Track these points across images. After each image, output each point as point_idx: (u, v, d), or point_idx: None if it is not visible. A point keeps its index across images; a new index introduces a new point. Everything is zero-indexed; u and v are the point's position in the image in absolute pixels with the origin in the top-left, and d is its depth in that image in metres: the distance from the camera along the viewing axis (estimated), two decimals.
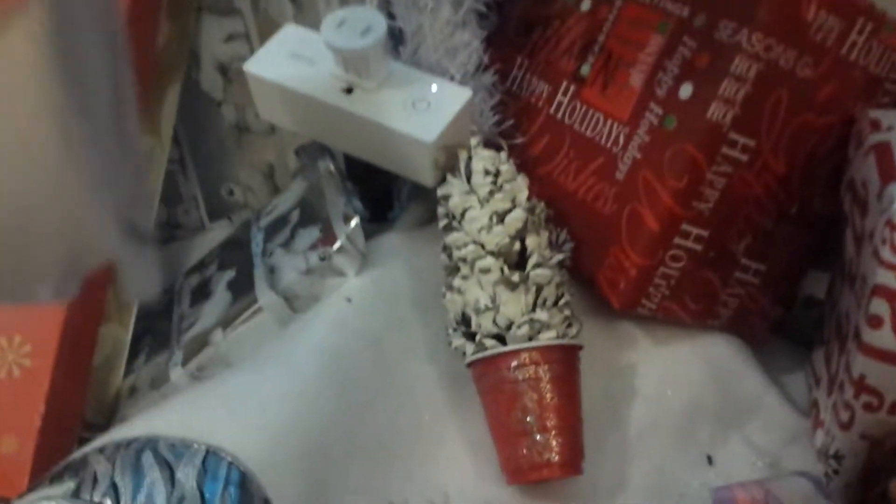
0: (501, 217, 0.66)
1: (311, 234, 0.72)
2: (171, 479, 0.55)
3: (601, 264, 0.71)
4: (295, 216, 0.76)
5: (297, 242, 0.73)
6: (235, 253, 0.80)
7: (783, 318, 0.79)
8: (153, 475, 0.55)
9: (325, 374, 0.64)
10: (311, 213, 0.75)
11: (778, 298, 0.76)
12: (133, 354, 0.78)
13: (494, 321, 0.65)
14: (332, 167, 0.78)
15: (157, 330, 0.79)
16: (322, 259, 0.69)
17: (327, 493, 0.61)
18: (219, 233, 0.89)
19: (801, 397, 0.77)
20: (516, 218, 0.66)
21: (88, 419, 0.70)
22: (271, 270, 0.72)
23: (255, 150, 0.89)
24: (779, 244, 0.73)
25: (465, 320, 0.67)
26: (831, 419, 0.68)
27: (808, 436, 0.72)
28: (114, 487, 0.54)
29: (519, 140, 0.76)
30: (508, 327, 0.65)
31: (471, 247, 0.66)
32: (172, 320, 0.77)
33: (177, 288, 0.82)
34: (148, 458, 0.56)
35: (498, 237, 0.66)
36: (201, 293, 0.78)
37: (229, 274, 0.77)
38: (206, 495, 0.55)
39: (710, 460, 0.70)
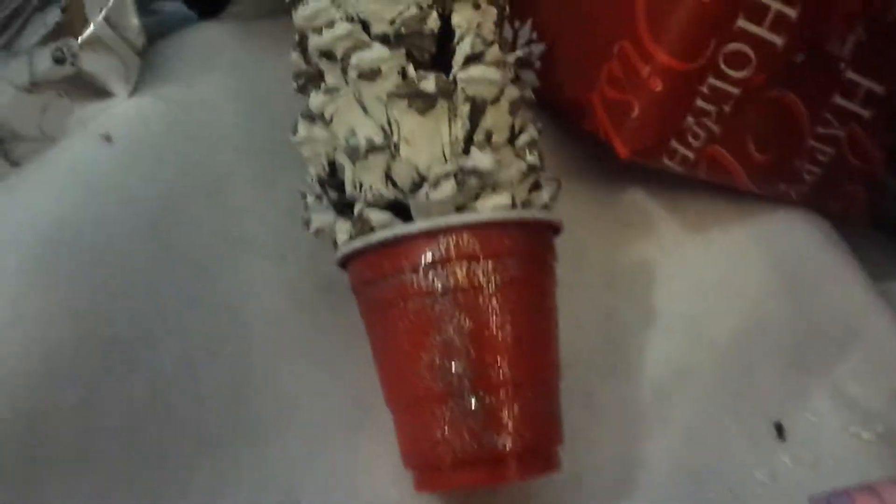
0: None
1: (50, 18, 0.39)
2: None
3: (596, 77, 0.39)
4: None
5: (23, 36, 0.39)
6: None
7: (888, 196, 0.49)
8: None
9: (45, 280, 0.32)
10: None
11: (893, 151, 0.45)
12: None
13: (389, 174, 0.33)
14: None
15: None
16: (59, 61, 0.37)
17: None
18: None
19: None
20: None
21: None
22: None
23: None
24: None
25: (333, 175, 0.35)
26: None
27: None
28: None
29: None
30: (417, 185, 0.33)
31: (342, 26, 0.33)
32: None
33: None
34: None
35: (395, 5, 0.33)
36: None
37: None
38: None
39: (779, 431, 0.41)
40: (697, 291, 0.43)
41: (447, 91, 0.34)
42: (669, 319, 0.42)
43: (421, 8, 0.34)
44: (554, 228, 0.37)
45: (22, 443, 0.32)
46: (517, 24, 0.43)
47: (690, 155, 0.40)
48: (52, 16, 0.40)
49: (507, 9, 0.38)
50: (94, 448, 0.33)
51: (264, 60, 0.42)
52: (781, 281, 0.44)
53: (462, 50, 0.34)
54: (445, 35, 0.35)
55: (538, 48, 0.42)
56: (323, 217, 0.36)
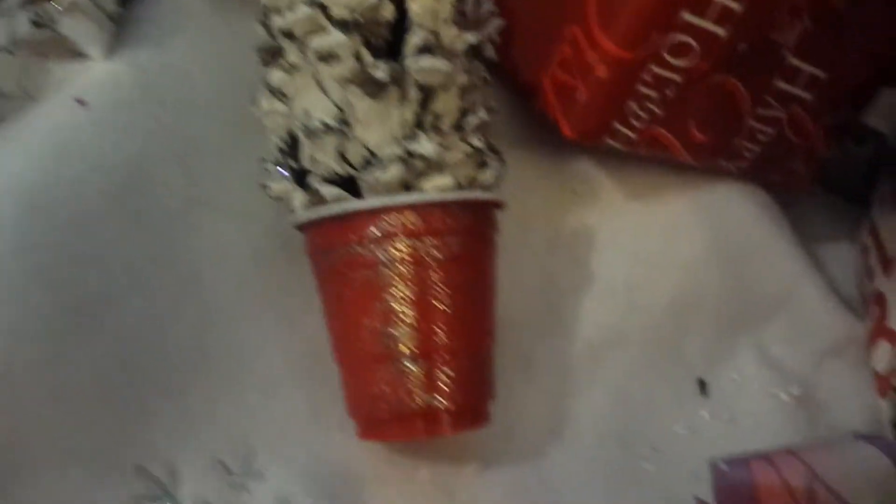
0: None
1: None
2: None
3: (548, 59, 0.41)
4: None
5: None
6: None
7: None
8: None
9: (20, 243, 0.35)
10: None
11: (833, 128, 0.48)
12: None
13: (341, 152, 0.36)
14: None
15: None
16: (37, 24, 0.39)
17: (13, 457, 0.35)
18: None
19: (843, 279, 0.51)
20: None
21: None
22: None
23: None
24: (850, 37, 0.43)
25: (292, 146, 0.38)
26: None
27: (860, 347, 0.47)
28: None
29: None
30: (367, 163, 0.36)
31: (302, 10, 0.35)
32: None
33: None
34: None
35: None
36: None
37: None
38: None
39: (702, 387, 0.44)
40: (635, 259, 0.46)
41: (398, 78, 0.36)
42: (606, 285, 0.45)
43: None
44: (497, 205, 0.40)
45: None
46: None
47: (632, 135, 0.43)
48: None
49: None
50: (62, 399, 0.36)
51: (236, 25, 0.43)
52: (717, 252, 0.47)
53: (413, 42, 0.36)
54: (403, 20, 0.37)
55: (495, 24, 0.44)
56: (281, 185, 0.39)
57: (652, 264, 0.46)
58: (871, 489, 0.35)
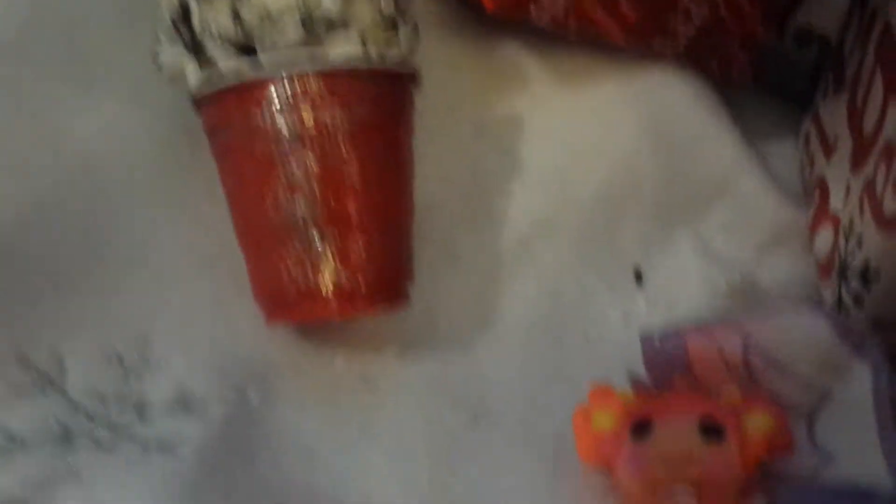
0: None
1: None
2: None
3: None
4: None
5: None
6: None
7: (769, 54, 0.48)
8: None
9: None
10: None
11: (771, 13, 0.45)
12: None
13: (236, 12, 0.33)
14: None
15: None
16: None
17: None
18: None
19: (787, 177, 0.48)
20: None
21: None
22: None
23: None
24: None
25: (184, 16, 0.35)
26: (856, 210, 0.39)
27: (803, 237, 0.44)
28: None
29: None
30: (264, 25, 0.33)
31: None
32: None
33: None
34: None
35: None
36: None
37: None
38: None
39: (638, 277, 0.42)
40: (566, 146, 0.44)
41: None
42: (536, 173, 0.43)
43: None
44: (411, 78, 0.37)
45: None
46: None
47: (560, 12, 0.40)
48: None
49: None
50: None
51: None
52: (652, 138, 0.44)
53: None
54: None
55: None
56: (171, 55, 0.36)
57: (584, 153, 0.44)
58: (809, 354, 0.33)
